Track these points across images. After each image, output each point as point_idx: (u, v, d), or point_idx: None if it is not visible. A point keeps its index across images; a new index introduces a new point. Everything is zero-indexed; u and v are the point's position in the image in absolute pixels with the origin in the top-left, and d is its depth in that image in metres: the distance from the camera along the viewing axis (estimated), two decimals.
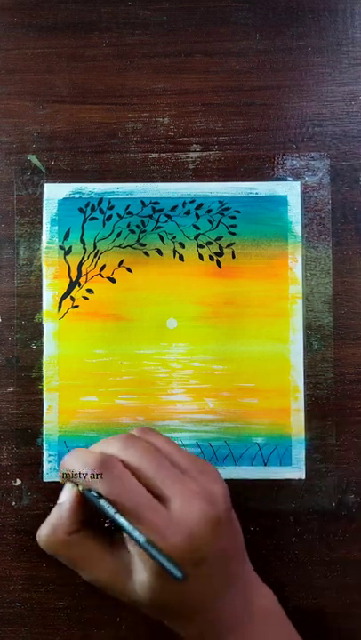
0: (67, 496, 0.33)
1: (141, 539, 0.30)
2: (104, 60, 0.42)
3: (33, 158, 0.41)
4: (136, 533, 0.30)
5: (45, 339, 0.41)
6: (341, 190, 0.41)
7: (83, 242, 0.41)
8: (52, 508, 0.40)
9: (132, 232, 0.41)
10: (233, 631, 0.33)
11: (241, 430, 0.40)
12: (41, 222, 0.41)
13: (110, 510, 0.31)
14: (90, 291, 0.41)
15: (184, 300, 0.41)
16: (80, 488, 0.33)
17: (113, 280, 0.41)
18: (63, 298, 0.41)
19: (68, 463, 0.33)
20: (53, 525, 0.33)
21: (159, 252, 0.41)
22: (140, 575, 0.32)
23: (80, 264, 0.41)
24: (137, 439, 0.34)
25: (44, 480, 0.40)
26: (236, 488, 0.38)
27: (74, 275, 0.41)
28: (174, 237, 0.41)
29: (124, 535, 0.32)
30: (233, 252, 0.41)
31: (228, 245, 0.41)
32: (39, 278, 0.41)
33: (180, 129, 0.41)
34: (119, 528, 0.31)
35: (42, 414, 0.40)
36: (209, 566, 0.32)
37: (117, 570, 0.33)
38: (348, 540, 0.40)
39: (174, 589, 0.31)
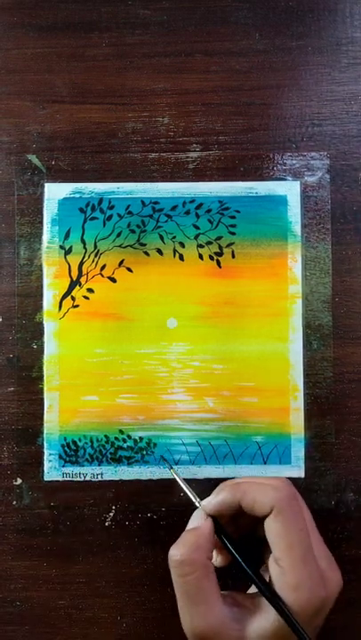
0: (199, 522, 0.34)
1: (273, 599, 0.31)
2: (104, 60, 0.42)
3: (33, 158, 0.41)
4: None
5: (46, 338, 0.41)
6: (341, 190, 0.41)
7: (83, 241, 0.41)
8: (53, 507, 0.40)
9: (133, 232, 0.41)
10: None
11: (241, 429, 0.40)
12: (41, 222, 0.41)
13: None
14: (90, 290, 0.41)
15: (184, 300, 0.41)
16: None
17: (113, 280, 0.41)
18: (64, 297, 0.41)
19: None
20: (197, 543, 0.32)
21: (159, 251, 0.41)
22: (262, 623, 0.31)
23: (80, 264, 0.41)
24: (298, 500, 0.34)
25: (45, 479, 0.40)
26: None
27: (74, 274, 0.41)
28: (174, 237, 0.41)
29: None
30: (233, 251, 0.41)
31: (228, 245, 0.41)
32: (40, 278, 0.41)
33: (180, 129, 0.42)
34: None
35: (42, 413, 0.40)
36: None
37: (230, 616, 0.32)
38: (347, 538, 0.41)
39: None
